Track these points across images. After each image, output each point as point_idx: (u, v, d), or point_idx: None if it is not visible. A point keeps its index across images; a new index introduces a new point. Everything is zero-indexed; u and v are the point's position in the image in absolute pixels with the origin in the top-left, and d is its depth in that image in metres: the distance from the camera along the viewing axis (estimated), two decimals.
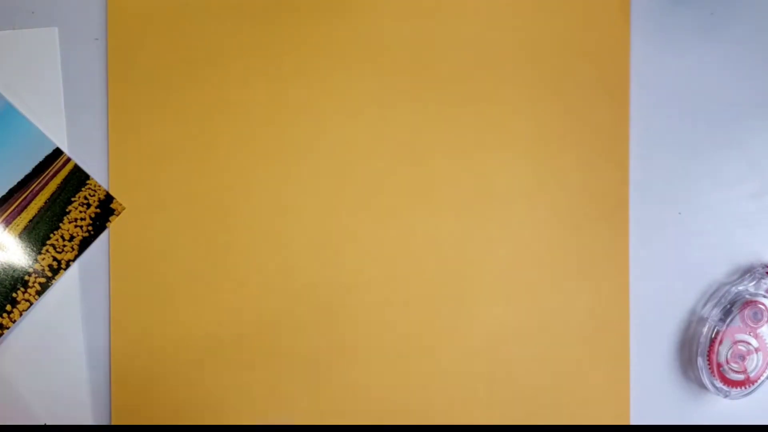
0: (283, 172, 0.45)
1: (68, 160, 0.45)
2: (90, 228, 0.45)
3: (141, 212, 0.45)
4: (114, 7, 0.45)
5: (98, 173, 0.45)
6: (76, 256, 0.45)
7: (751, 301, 0.43)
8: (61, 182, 0.45)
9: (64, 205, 0.45)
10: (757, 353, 0.43)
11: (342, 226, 0.44)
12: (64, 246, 0.45)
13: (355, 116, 0.45)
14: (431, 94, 0.44)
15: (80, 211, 0.45)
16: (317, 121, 0.45)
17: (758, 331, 0.43)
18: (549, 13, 0.44)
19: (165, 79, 0.45)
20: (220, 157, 0.45)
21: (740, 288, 0.43)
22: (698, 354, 0.44)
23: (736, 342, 0.43)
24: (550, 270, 0.44)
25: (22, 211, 0.45)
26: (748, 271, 0.44)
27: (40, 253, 0.45)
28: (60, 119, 0.45)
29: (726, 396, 0.43)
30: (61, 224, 0.45)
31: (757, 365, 0.43)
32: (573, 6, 0.44)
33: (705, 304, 0.44)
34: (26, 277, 0.44)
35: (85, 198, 0.45)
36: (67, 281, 0.45)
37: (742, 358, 0.43)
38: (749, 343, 0.43)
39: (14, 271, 0.44)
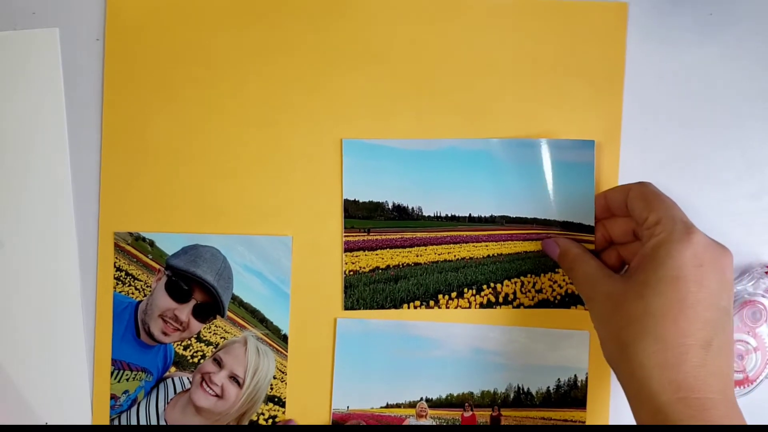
0: (278, 173, 0.45)
1: None
2: None
3: (134, 210, 0.45)
4: (113, 8, 0.45)
5: (98, 173, 0.45)
6: None
7: (750, 301, 0.43)
8: None
9: None
10: (755, 353, 0.43)
11: (337, 228, 0.45)
12: None
13: (349, 119, 0.44)
14: (427, 103, 0.44)
15: None
16: (313, 123, 0.44)
17: (757, 330, 0.43)
18: (546, 18, 0.44)
19: (161, 80, 0.44)
20: (215, 158, 0.45)
21: (739, 288, 0.44)
22: None
23: (734, 341, 0.43)
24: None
25: None
26: (747, 271, 0.44)
27: None
28: (61, 120, 0.45)
29: None
30: None
31: (755, 365, 0.43)
32: (570, 11, 0.44)
33: None
34: None
35: None
36: (70, 280, 0.45)
37: (741, 357, 0.43)
38: (748, 343, 0.43)
39: None
